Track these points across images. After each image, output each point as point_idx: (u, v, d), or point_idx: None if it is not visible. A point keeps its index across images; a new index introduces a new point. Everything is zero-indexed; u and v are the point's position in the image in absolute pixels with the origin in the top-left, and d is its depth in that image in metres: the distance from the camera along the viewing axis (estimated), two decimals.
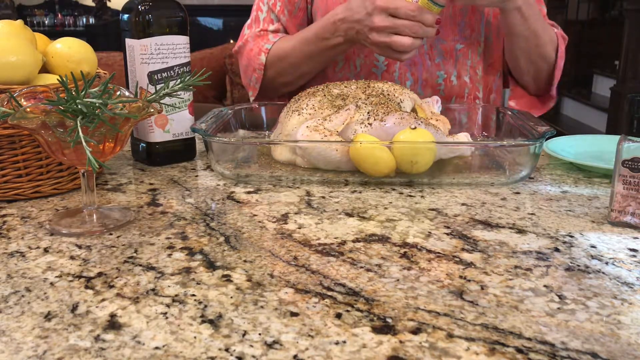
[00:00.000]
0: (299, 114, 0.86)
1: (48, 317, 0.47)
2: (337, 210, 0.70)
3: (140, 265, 0.56)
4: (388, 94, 0.89)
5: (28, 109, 0.60)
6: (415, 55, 1.08)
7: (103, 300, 0.50)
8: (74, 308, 0.48)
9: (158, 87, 0.84)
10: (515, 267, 0.56)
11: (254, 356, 0.42)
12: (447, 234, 0.63)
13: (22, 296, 0.50)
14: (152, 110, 0.64)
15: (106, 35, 5.82)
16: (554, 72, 1.11)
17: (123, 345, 0.43)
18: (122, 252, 0.59)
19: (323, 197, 0.75)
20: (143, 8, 0.83)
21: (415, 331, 0.45)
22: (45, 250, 0.59)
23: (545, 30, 1.07)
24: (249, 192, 0.77)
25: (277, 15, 1.15)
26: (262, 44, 1.13)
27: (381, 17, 0.94)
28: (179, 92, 0.80)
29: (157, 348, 0.43)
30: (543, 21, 1.07)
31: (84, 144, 0.57)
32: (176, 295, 0.50)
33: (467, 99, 1.12)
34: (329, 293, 0.50)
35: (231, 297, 0.50)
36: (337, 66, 1.13)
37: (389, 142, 0.79)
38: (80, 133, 0.57)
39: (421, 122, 0.81)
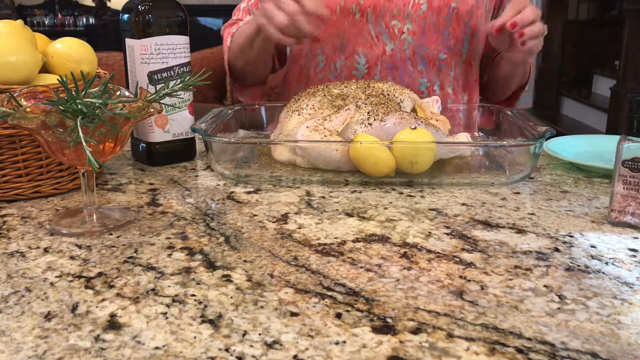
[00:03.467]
0: (299, 114, 0.86)
1: (48, 317, 0.47)
2: (337, 210, 0.70)
3: (140, 265, 0.56)
4: (388, 94, 0.89)
5: (28, 109, 0.60)
6: (396, 59, 1.08)
7: (103, 300, 0.50)
8: (74, 308, 0.48)
9: (158, 87, 0.84)
10: (515, 267, 0.56)
11: (254, 356, 0.42)
12: (447, 234, 0.63)
13: (22, 296, 0.50)
14: (152, 110, 0.64)
15: (106, 35, 5.82)
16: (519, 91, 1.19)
17: (123, 345, 0.43)
18: (122, 252, 0.59)
19: (323, 197, 0.75)
20: (143, 8, 0.83)
21: (415, 331, 0.45)
22: (45, 250, 0.59)
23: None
24: (249, 192, 0.77)
25: (250, 8, 1.16)
26: (231, 29, 1.14)
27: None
28: (179, 92, 0.80)
29: (157, 348, 0.43)
30: None
31: (84, 144, 0.57)
32: (176, 295, 0.50)
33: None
34: (329, 293, 0.50)
35: (231, 297, 0.50)
36: (318, 67, 1.13)
37: (389, 142, 0.79)
38: (80, 133, 0.57)
39: (421, 122, 0.81)
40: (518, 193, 0.77)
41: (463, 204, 0.72)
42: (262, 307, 0.48)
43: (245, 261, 0.57)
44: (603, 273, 0.54)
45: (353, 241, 0.61)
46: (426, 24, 1.06)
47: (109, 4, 6.35)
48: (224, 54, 1.16)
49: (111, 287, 0.52)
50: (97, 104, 0.59)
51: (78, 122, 0.57)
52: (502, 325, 0.46)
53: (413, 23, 1.06)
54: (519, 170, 0.81)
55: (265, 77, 1.19)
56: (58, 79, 0.62)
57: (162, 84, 0.79)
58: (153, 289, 0.51)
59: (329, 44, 1.10)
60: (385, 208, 0.71)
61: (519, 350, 0.43)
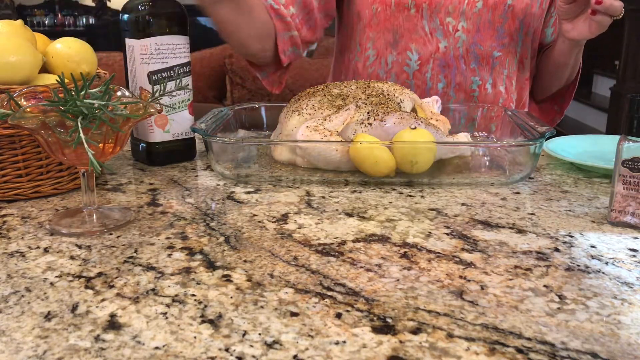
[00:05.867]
0: (299, 114, 0.86)
1: (48, 317, 0.47)
2: (337, 210, 0.70)
3: (140, 265, 0.56)
4: (388, 94, 0.89)
5: (28, 109, 0.60)
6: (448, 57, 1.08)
7: (103, 300, 0.50)
8: (74, 308, 0.48)
9: (155, 88, 0.84)
10: (515, 267, 0.56)
11: (254, 356, 0.42)
12: (447, 234, 0.63)
13: (22, 296, 0.50)
14: (152, 110, 0.64)
15: (106, 35, 5.82)
16: (568, 91, 1.17)
17: (123, 345, 0.43)
18: (122, 252, 0.59)
19: (323, 197, 0.75)
20: (143, 8, 0.83)
21: (415, 331, 0.45)
22: (45, 250, 0.59)
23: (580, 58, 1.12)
24: (249, 192, 0.77)
25: None
26: None
27: None
28: (175, 93, 0.80)
29: (157, 348, 0.43)
30: None
31: (85, 145, 0.57)
32: (176, 295, 0.50)
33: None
34: (329, 293, 0.50)
35: (231, 297, 0.50)
36: (368, 61, 1.11)
37: (389, 142, 0.79)
38: (82, 134, 0.57)
39: (421, 122, 0.81)
40: (518, 193, 0.77)
41: (463, 204, 0.72)
42: (262, 307, 0.48)
43: (245, 261, 0.57)
44: (603, 273, 0.54)
45: (353, 241, 0.61)
46: (481, 22, 1.05)
47: (109, 4, 6.35)
48: None
49: (111, 287, 0.52)
50: (97, 105, 0.59)
51: (79, 123, 0.57)
52: (502, 325, 0.46)
53: (468, 20, 1.05)
54: (519, 170, 0.81)
55: (262, 43, 1.06)
56: (57, 79, 0.62)
57: (158, 85, 0.79)
58: (153, 289, 0.51)
59: (381, 38, 1.09)
60: (385, 208, 0.71)
61: (519, 350, 0.43)
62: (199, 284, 0.52)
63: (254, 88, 2.86)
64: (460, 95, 1.08)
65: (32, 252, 0.59)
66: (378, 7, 1.07)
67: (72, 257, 0.58)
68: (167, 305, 0.49)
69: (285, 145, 0.86)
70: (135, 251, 0.59)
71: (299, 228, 0.65)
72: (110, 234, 0.63)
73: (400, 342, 0.44)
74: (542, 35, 1.14)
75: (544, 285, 0.52)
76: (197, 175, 0.85)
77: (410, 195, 0.76)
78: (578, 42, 1.03)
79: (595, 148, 0.93)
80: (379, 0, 1.06)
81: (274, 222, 0.66)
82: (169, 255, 0.58)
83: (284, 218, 0.68)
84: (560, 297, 0.50)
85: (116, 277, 0.54)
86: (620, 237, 0.63)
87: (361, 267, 0.55)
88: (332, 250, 0.59)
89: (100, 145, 0.62)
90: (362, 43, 1.11)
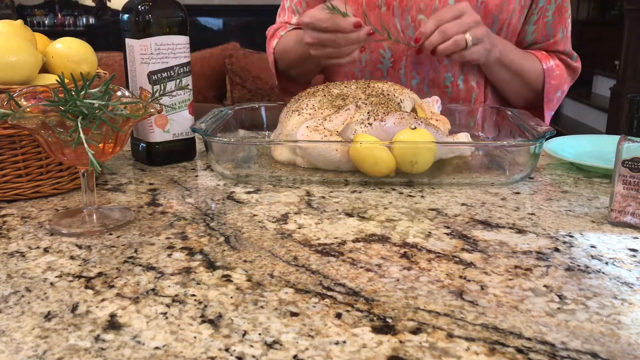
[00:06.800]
0: (299, 114, 0.86)
1: (48, 317, 0.47)
2: (337, 210, 0.70)
3: (140, 265, 0.56)
4: (388, 94, 0.89)
5: (28, 109, 0.60)
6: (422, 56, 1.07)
7: (103, 300, 0.50)
8: (74, 308, 0.48)
9: (155, 88, 0.84)
10: (515, 267, 0.56)
11: (254, 356, 0.42)
12: (447, 234, 0.63)
13: (22, 296, 0.50)
14: (152, 110, 0.64)
15: (106, 35, 5.82)
16: (544, 98, 1.13)
17: (123, 345, 0.43)
18: (122, 252, 0.59)
19: (323, 197, 0.75)
20: (143, 8, 0.83)
21: (415, 331, 0.45)
22: (45, 250, 0.59)
23: (527, 62, 1.09)
24: (249, 192, 0.77)
25: (296, 7, 1.17)
26: (274, 40, 1.16)
27: (308, 33, 0.97)
28: (175, 93, 0.79)
29: (157, 348, 0.43)
30: (523, 55, 1.09)
31: (85, 145, 0.57)
32: (176, 295, 0.50)
33: (475, 104, 1.11)
34: (329, 293, 0.50)
35: (231, 297, 0.50)
36: None
37: (389, 142, 0.79)
38: (82, 134, 0.57)
39: (421, 122, 0.81)
40: (518, 193, 0.77)
41: (463, 204, 0.72)
42: (262, 307, 0.48)
43: (245, 261, 0.57)
44: (603, 273, 0.54)
45: (353, 241, 0.61)
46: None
47: (109, 4, 6.35)
48: (269, 61, 1.19)
49: (111, 287, 0.52)
50: (97, 105, 0.59)
51: (79, 123, 0.57)
52: (502, 325, 0.46)
53: None
54: (519, 170, 0.81)
55: (314, 76, 1.21)
56: (57, 79, 0.62)
57: (158, 85, 0.79)
58: (153, 289, 0.51)
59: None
60: (385, 208, 0.71)
61: (519, 350, 0.43)
62: (199, 284, 0.52)
63: (254, 88, 2.86)
64: (434, 91, 1.10)
65: (32, 252, 0.59)
66: (351, 7, 1.08)
67: (72, 257, 0.58)
68: (167, 305, 0.49)
69: (285, 145, 0.86)
70: (135, 251, 0.59)
71: (299, 228, 0.65)
72: (110, 234, 0.63)
73: (400, 342, 0.44)
74: (523, 32, 1.12)
75: (544, 285, 0.52)
76: (197, 175, 0.85)
77: (410, 195, 0.76)
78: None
79: (595, 148, 0.93)
80: (351, 0, 1.07)
81: (274, 222, 0.66)
82: (169, 255, 0.58)
83: (284, 218, 0.68)
84: (560, 297, 0.50)
85: (116, 277, 0.54)
86: (620, 237, 0.63)
87: (361, 267, 0.55)
88: (332, 250, 0.59)
89: (100, 145, 0.62)
90: None
